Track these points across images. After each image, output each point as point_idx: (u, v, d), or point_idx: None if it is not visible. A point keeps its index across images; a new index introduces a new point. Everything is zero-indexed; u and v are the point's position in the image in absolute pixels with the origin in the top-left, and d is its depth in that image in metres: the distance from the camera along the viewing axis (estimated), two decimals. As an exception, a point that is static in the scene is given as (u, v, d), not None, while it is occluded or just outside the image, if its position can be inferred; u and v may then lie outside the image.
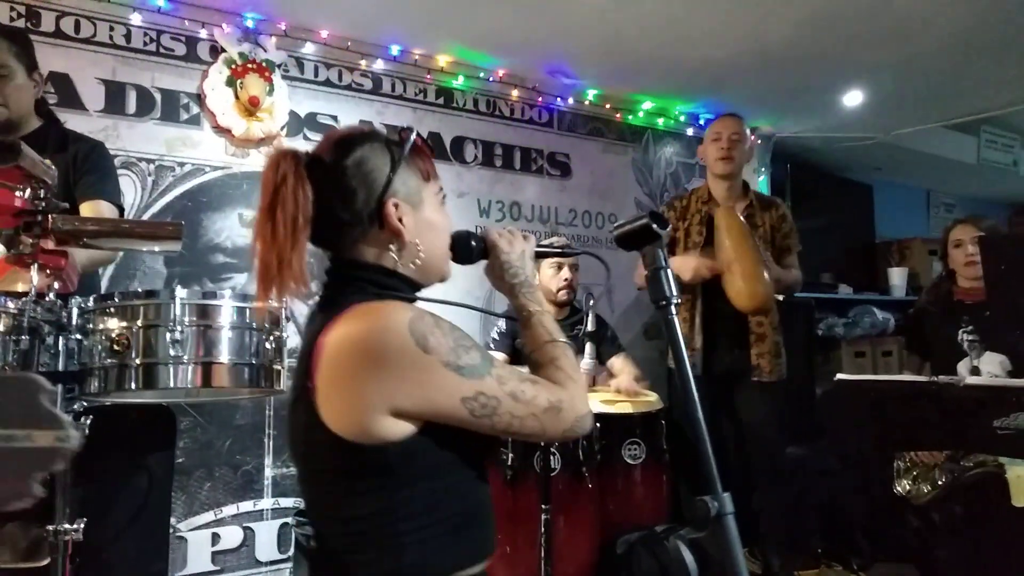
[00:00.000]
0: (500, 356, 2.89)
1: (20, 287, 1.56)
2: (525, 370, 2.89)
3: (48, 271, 1.52)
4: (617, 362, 3.05)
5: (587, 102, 4.05)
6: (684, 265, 2.88)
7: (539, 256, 1.29)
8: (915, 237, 5.54)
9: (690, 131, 4.46)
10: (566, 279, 2.97)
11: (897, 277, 5.29)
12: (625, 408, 2.78)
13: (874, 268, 5.56)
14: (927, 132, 4.72)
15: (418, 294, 1.17)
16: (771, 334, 2.97)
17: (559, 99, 3.95)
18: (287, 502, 3.01)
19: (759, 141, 4.64)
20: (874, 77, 3.81)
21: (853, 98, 4.08)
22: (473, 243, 1.23)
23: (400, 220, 1.09)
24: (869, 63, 3.63)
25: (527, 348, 1.19)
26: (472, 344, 1.05)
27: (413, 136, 1.12)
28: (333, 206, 1.07)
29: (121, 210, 2.22)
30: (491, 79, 3.71)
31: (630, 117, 4.23)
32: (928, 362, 2.95)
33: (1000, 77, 3.83)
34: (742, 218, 2.85)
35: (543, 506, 2.18)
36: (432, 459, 1.03)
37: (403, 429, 0.99)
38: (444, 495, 1.05)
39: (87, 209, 2.07)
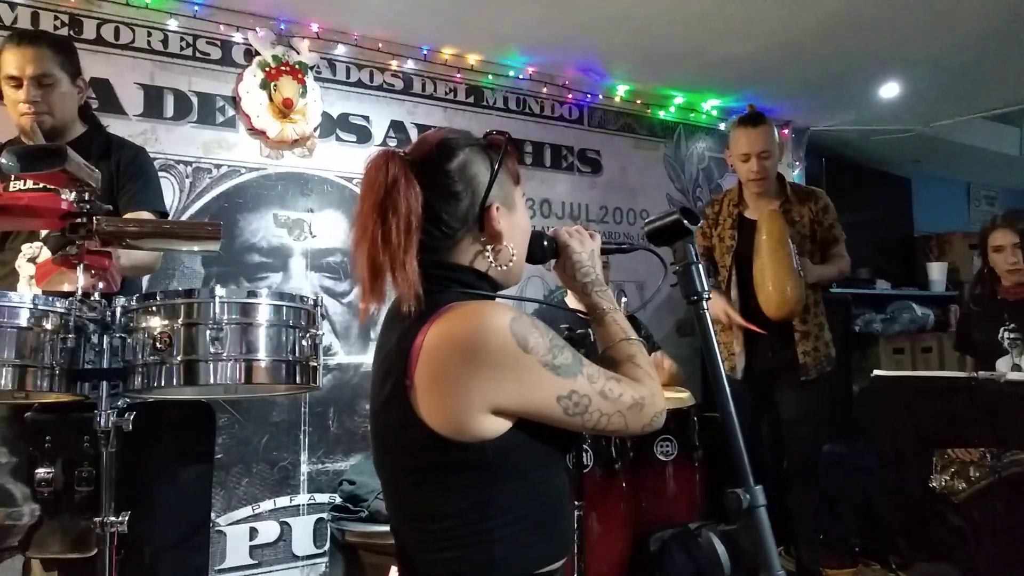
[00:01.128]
0: None
1: (66, 287, 1.61)
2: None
3: (93, 272, 1.57)
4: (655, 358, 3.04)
5: (617, 98, 4.04)
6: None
7: (604, 253, 1.29)
8: (955, 231, 5.42)
9: (722, 126, 4.42)
10: None
11: (936, 272, 5.18)
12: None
13: (913, 263, 5.46)
14: (967, 123, 4.62)
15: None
16: (816, 331, 2.88)
17: (589, 96, 3.94)
18: (323, 498, 3.06)
19: (792, 135, 4.58)
20: (911, 68, 3.74)
21: (890, 90, 4.01)
22: (545, 243, 1.24)
23: (498, 224, 1.12)
24: (905, 54, 3.56)
25: (601, 345, 1.21)
26: (564, 343, 1.06)
27: (506, 140, 1.17)
28: (439, 209, 1.09)
29: (164, 216, 2.26)
30: (521, 77, 3.72)
31: (661, 113, 4.20)
32: (977, 363, 2.91)
33: (1043, 66, 3.73)
34: (783, 222, 2.79)
35: (576, 503, 2.18)
36: (524, 455, 1.05)
37: (499, 426, 1.01)
38: (532, 491, 1.07)
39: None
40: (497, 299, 1.14)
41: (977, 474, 2.48)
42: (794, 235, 2.80)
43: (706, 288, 0.92)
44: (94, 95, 2.70)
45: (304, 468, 3.05)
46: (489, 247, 1.13)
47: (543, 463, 1.10)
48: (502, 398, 1.00)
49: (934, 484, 2.58)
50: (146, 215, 2.14)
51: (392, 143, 3.37)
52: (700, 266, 0.93)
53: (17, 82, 2.07)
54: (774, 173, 2.95)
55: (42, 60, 2.08)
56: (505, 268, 1.16)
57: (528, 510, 1.07)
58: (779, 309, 2.71)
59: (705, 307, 0.93)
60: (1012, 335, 2.56)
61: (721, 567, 0.82)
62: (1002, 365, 2.61)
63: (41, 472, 1.76)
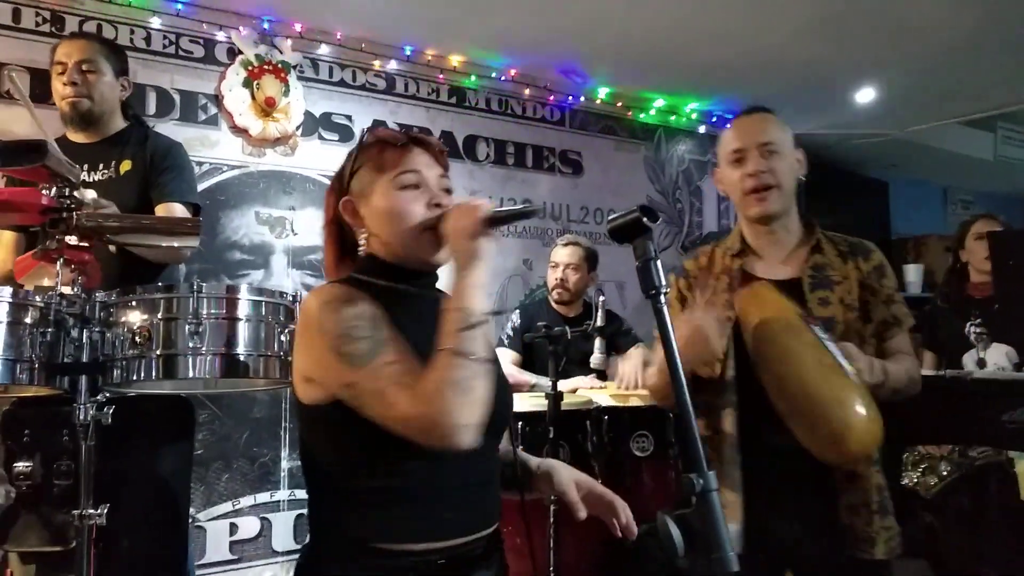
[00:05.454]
0: (510, 355, 2.92)
1: (46, 282, 1.63)
2: (531, 377, 2.79)
3: (72, 266, 1.58)
4: (633, 352, 3.06)
5: (599, 100, 4.09)
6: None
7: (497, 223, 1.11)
8: (931, 234, 5.51)
9: (702, 128, 4.48)
10: (558, 278, 2.92)
11: (913, 274, 5.26)
12: (634, 401, 2.81)
13: (890, 265, 5.53)
14: (943, 128, 4.70)
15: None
16: (871, 472, 1.57)
17: (571, 98, 3.99)
18: (303, 493, 3.05)
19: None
20: (887, 74, 3.81)
21: (865, 95, 4.09)
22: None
23: (356, 213, 1.21)
24: (881, 60, 3.64)
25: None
26: (370, 334, 1.05)
27: (366, 136, 1.25)
28: None
29: (196, 208, 2.23)
30: (503, 78, 3.75)
31: (642, 115, 4.25)
32: (943, 358, 2.96)
33: (1016, 72, 3.81)
34: (784, 299, 1.56)
35: (551, 497, 2.21)
36: (343, 431, 1.09)
37: (314, 394, 1.10)
38: (356, 467, 1.11)
39: (160, 211, 2.11)
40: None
41: (947, 469, 2.55)
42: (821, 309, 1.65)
43: (664, 282, 0.96)
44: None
45: (284, 464, 3.06)
46: (362, 233, 1.22)
47: (366, 444, 1.07)
48: (308, 368, 1.11)
49: (906, 481, 2.64)
50: (177, 207, 2.14)
51: (374, 142, 3.40)
52: (659, 262, 0.97)
53: (63, 68, 2.12)
54: (789, 183, 1.75)
55: (88, 49, 2.14)
56: (378, 250, 1.19)
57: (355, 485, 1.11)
58: (858, 442, 1.39)
59: (663, 302, 0.96)
60: (978, 330, 2.62)
61: (675, 548, 0.86)
62: (968, 359, 2.67)
63: (19, 466, 1.78)
